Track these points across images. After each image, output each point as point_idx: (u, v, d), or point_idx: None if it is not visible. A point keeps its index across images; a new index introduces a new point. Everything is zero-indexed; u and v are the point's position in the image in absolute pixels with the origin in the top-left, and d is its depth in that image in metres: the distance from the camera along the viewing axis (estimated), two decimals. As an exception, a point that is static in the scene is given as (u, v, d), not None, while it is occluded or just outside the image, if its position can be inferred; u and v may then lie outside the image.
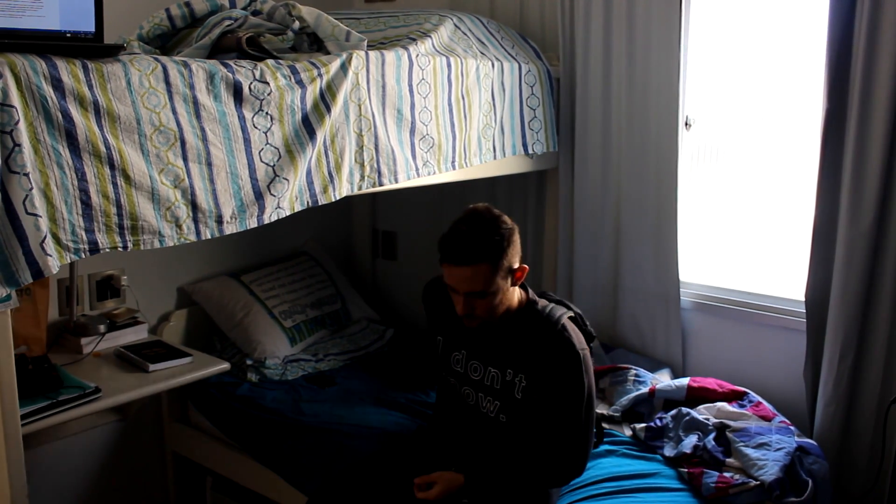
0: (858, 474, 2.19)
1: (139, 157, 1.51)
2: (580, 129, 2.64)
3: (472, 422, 1.94)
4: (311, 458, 2.18)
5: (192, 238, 1.62)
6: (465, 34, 2.40)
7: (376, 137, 1.97)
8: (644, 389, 2.30)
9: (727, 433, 2.04)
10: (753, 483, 1.85)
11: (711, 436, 2.04)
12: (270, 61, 1.79)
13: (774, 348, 2.41)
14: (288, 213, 1.79)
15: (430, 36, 2.21)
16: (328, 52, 1.99)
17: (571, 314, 1.89)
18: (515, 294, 1.85)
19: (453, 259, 1.73)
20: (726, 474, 1.90)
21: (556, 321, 1.81)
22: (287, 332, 2.71)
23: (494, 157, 2.39)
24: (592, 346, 1.91)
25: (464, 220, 1.76)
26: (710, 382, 2.29)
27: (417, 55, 2.09)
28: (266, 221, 1.74)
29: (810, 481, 1.87)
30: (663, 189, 2.49)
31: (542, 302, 1.89)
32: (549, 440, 1.80)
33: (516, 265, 1.79)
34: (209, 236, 1.64)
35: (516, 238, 1.78)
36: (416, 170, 2.09)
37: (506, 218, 1.79)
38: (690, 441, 2.03)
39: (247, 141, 1.69)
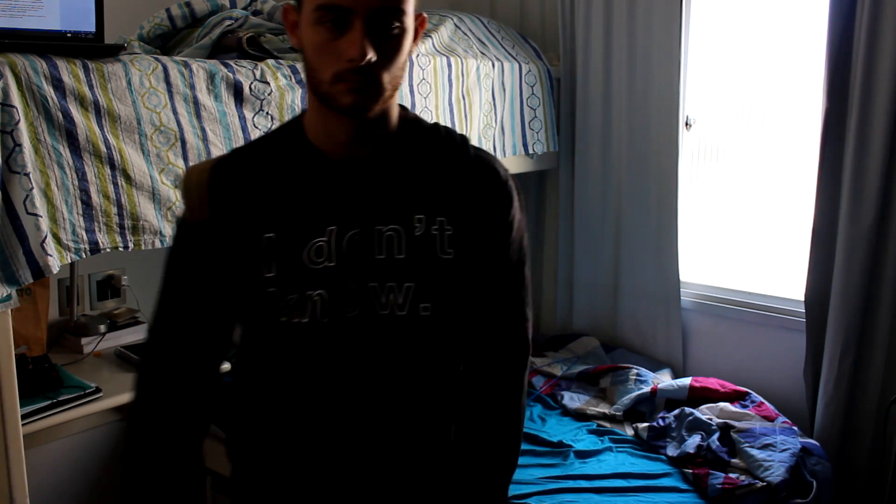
0: (859, 474, 2.18)
1: (140, 156, 1.51)
2: (580, 128, 2.64)
3: (361, 361, 1.06)
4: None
5: (193, 238, 1.61)
6: (466, 34, 2.40)
7: (377, 137, 1.97)
8: (645, 389, 2.30)
9: (731, 434, 2.03)
10: (760, 484, 1.85)
11: (715, 436, 2.03)
12: (271, 61, 1.79)
13: (774, 348, 2.41)
14: (288, 213, 1.79)
15: (430, 36, 2.21)
16: (328, 52, 1.99)
17: None
18: (395, 101, 1.07)
19: None
20: (732, 475, 1.89)
21: (463, 137, 1.13)
22: (287, 332, 2.70)
23: (495, 157, 2.38)
24: None
25: None
26: (712, 382, 2.29)
27: (418, 55, 2.08)
28: (266, 221, 1.74)
29: (814, 483, 1.87)
30: (663, 189, 2.49)
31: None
32: (496, 324, 1.15)
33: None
34: (210, 236, 1.64)
35: None
36: (416, 170, 2.09)
37: None
38: (694, 441, 2.03)
39: (247, 141, 1.69)
